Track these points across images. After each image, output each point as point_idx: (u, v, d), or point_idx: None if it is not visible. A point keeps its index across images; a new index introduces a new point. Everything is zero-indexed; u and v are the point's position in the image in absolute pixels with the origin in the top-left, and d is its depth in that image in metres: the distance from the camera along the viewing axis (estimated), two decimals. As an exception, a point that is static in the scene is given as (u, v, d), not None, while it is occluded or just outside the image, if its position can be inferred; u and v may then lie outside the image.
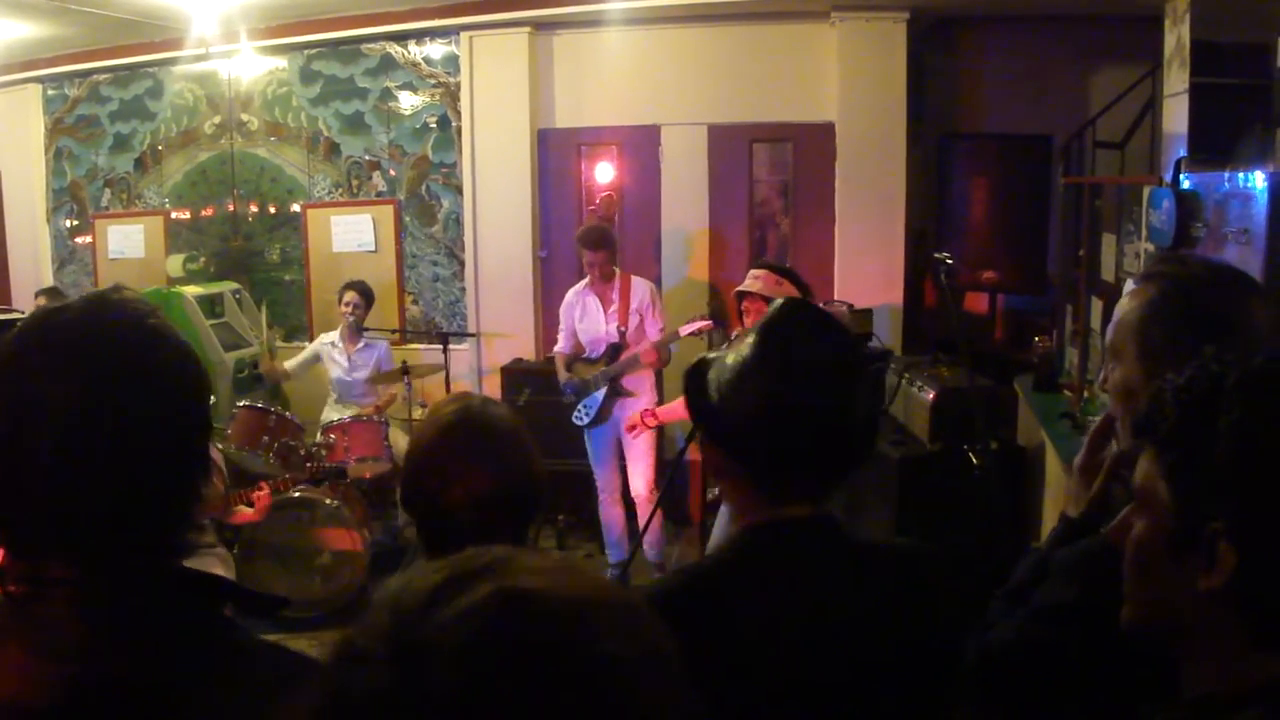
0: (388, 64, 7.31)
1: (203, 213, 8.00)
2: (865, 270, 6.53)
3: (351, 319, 6.37)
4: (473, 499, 1.71)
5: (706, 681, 0.68)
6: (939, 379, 4.66)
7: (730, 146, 6.86)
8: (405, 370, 6.04)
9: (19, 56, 7.89)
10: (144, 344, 1.12)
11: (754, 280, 4.00)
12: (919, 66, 6.79)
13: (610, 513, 5.73)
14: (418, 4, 6.93)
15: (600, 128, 7.05)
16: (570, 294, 5.76)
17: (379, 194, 7.48)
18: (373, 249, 7.50)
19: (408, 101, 7.32)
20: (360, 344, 6.44)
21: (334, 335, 6.49)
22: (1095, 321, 4.75)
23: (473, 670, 0.58)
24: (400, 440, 5.90)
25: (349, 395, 6.41)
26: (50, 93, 8.37)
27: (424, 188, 7.36)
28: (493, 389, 6.74)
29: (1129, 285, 1.63)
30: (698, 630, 0.72)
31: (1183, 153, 3.99)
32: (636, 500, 5.55)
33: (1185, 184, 3.77)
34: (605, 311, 5.57)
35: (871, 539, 1.57)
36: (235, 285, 7.52)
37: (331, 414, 6.27)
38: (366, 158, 7.47)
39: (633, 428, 5.24)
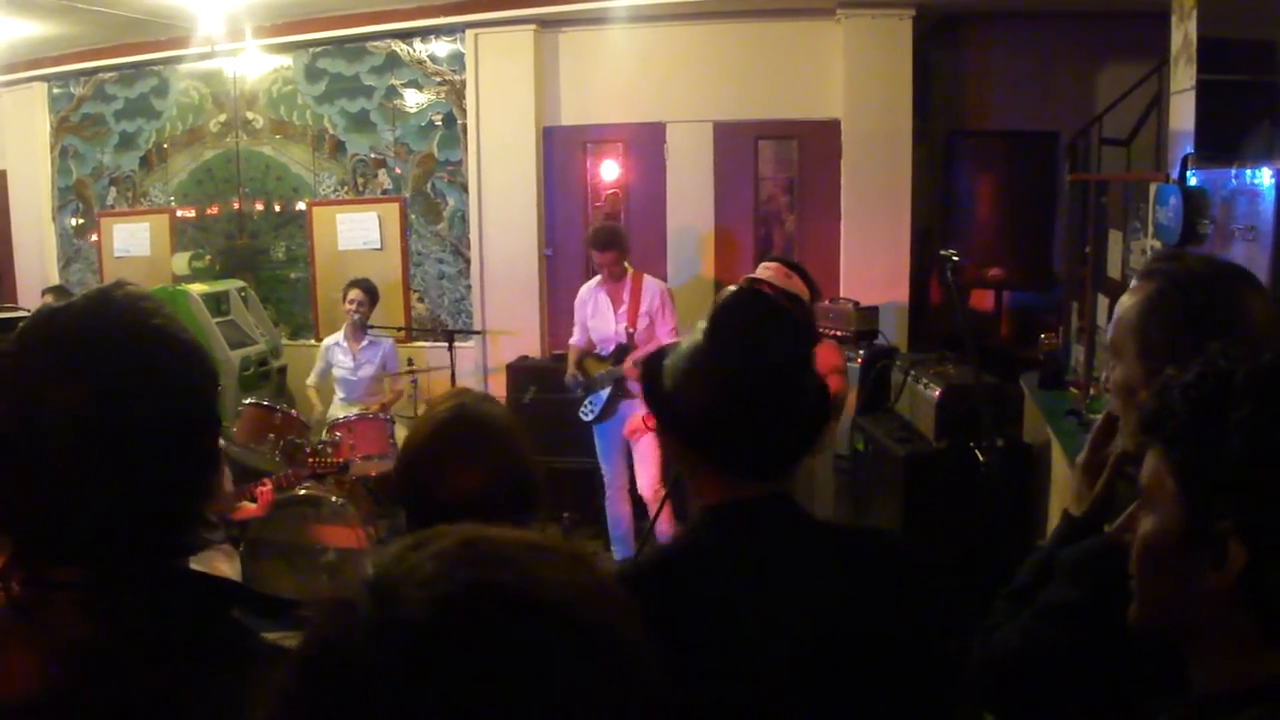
0: (393, 62, 7.31)
1: (208, 211, 8.02)
2: (871, 267, 6.52)
3: (357, 317, 6.38)
4: (463, 497, 1.72)
5: (669, 658, 0.72)
6: (945, 376, 4.66)
7: (736, 144, 6.85)
8: (410, 366, 6.04)
9: (24, 55, 7.90)
10: (149, 343, 1.11)
11: (764, 270, 4.02)
12: (924, 63, 6.77)
13: (617, 508, 5.73)
14: (423, 1, 6.94)
15: (605, 125, 7.05)
16: (584, 289, 5.79)
17: (384, 192, 7.49)
18: (378, 247, 7.51)
19: (413, 99, 7.32)
20: (365, 342, 6.44)
21: (338, 335, 6.50)
22: (1101, 319, 4.74)
23: (438, 596, 0.65)
24: (406, 438, 5.89)
25: (354, 393, 6.41)
26: (56, 91, 8.39)
27: (429, 185, 7.36)
28: (498, 386, 6.75)
29: (1133, 284, 1.63)
30: (661, 608, 0.74)
31: (1189, 149, 3.98)
32: (644, 498, 5.55)
33: (1192, 181, 3.76)
34: (615, 311, 5.58)
35: (833, 521, 1.58)
36: (241, 283, 7.53)
37: (338, 412, 6.27)
38: (372, 155, 7.47)
39: (634, 432, 5.24)
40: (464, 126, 7.18)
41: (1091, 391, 4.46)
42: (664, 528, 5.25)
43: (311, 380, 6.58)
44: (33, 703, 1.01)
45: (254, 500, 4.44)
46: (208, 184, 7.99)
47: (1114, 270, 4.76)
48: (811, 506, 3.96)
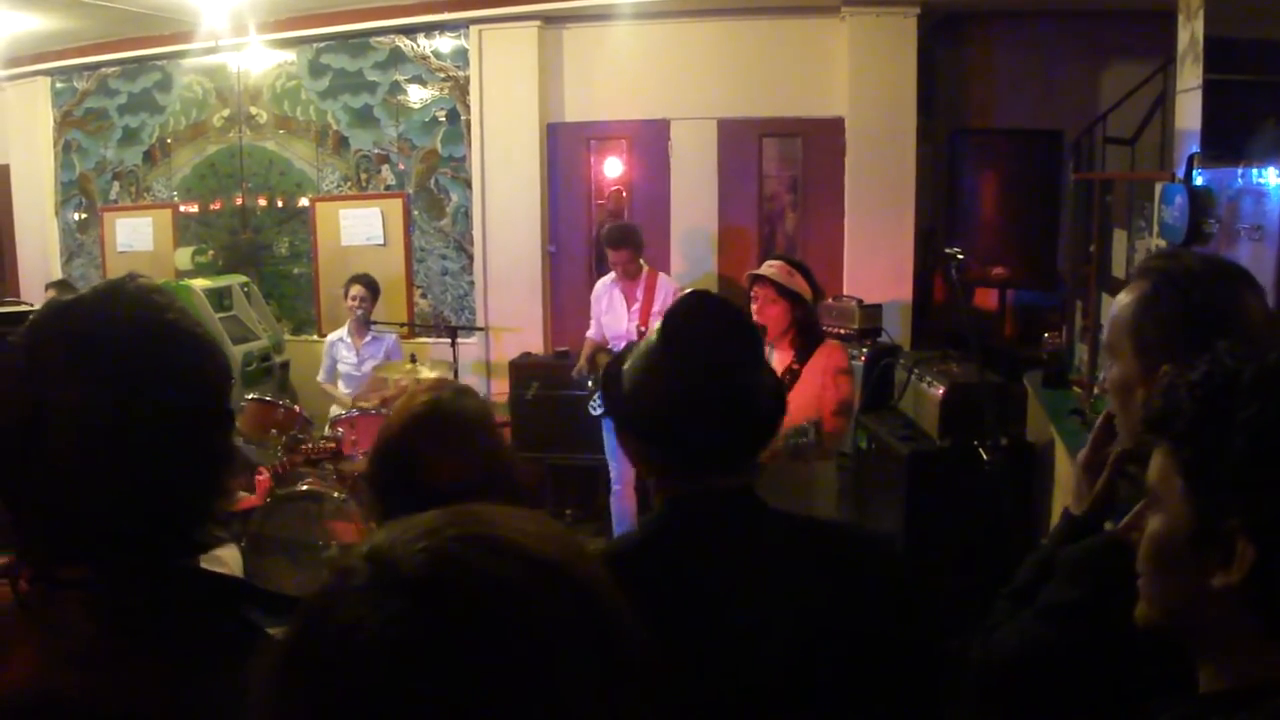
0: (397, 57, 7.31)
1: (211, 206, 8.02)
2: (875, 265, 6.51)
3: (360, 312, 6.38)
4: (435, 488, 1.72)
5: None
6: (948, 375, 4.65)
7: (740, 141, 6.84)
8: (413, 360, 6.03)
9: (28, 49, 7.90)
10: (161, 339, 1.10)
11: (768, 268, 4.03)
12: (929, 61, 6.77)
13: (623, 504, 5.74)
14: (427, -3, 6.94)
15: (609, 122, 7.05)
16: (599, 284, 5.85)
17: (388, 188, 7.49)
18: (381, 243, 7.51)
19: (417, 95, 7.32)
20: (368, 337, 6.45)
21: (342, 331, 6.51)
22: (1105, 318, 4.73)
23: (430, 549, 0.68)
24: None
25: (358, 388, 6.41)
26: (59, 86, 8.39)
27: (433, 181, 7.36)
28: (501, 383, 6.75)
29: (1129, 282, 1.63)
30: (631, 595, 0.76)
31: (1195, 149, 3.97)
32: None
33: (1198, 180, 3.75)
34: (629, 309, 5.61)
35: (793, 512, 1.63)
36: (244, 278, 7.52)
37: (341, 409, 6.28)
38: (375, 151, 7.47)
39: None
40: (467, 122, 7.18)
41: (1095, 390, 4.45)
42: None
43: (321, 377, 6.58)
44: (40, 702, 1.00)
45: (251, 491, 4.43)
46: (211, 179, 7.99)
47: (1118, 269, 4.75)
48: (813, 505, 3.95)
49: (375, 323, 6.52)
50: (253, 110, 7.76)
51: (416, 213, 7.43)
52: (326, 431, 5.82)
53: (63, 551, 1.05)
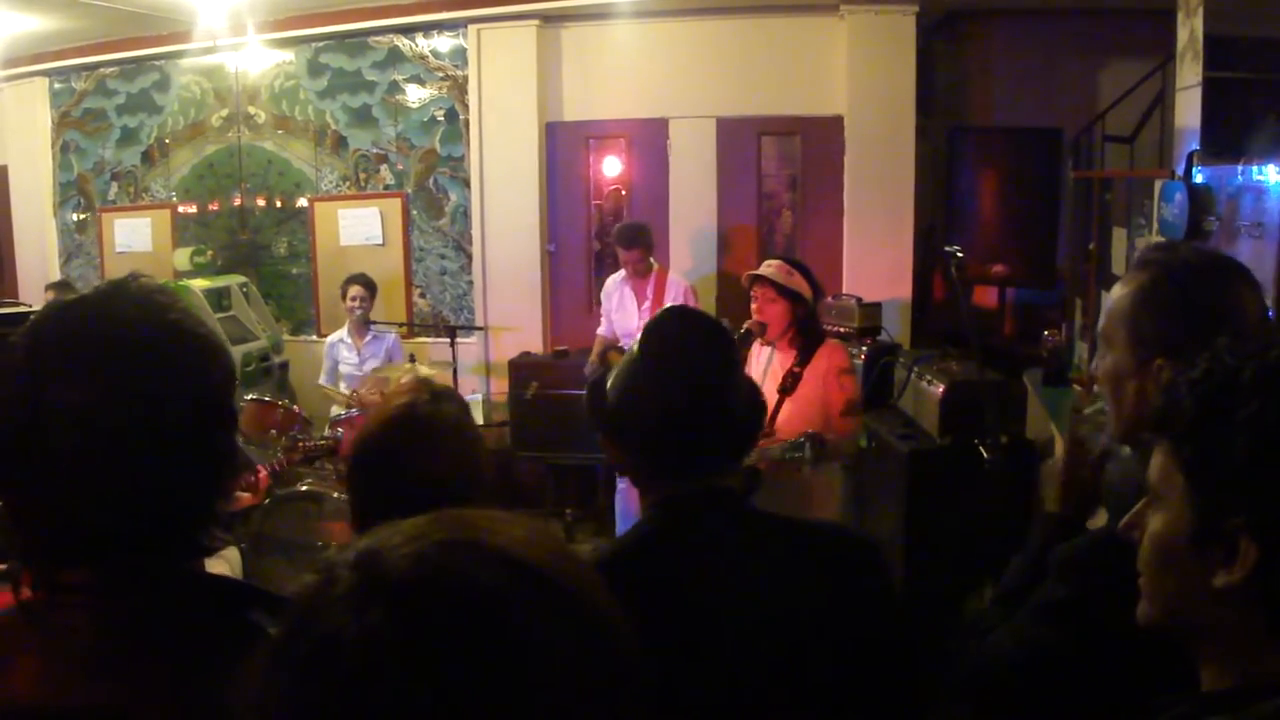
0: (395, 57, 7.30)
1: (210, 206, 8.00)
2: (874, 264, 6.51)
3: (359, 312, 6.37)
4: (407, 494, 1.73)
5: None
6: (948, 373, 4.64)
7: (738, 140, 6.84)
8: (413, 360, 6.03)
9: (26, 50, 7.89)
10: (164, 339, 1.09)
11: (767, 268, 4.03)
12: (928, 59, 6.77)
13: (628, 503, 5.73)
14: (425, -3, 6.94)
15: (608, 121, 7.04)
16: (610, 281, 5.89)
17: (386, 187, 7.47)
18: (380, 242, 7.50)
19: (415, 95, 7.31)
20: (369, 336, 6.44)
21: (341, 332, 6.50)
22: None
23: (415, 553, 0.68)
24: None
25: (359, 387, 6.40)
26: (57, 86, 8.38)
27: (431, 181, 7.35)
28: (500, 383, 6.75)
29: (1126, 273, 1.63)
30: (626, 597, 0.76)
31: (1195, 146, 3.97)
32: None
33: (1198, 177, 3.75)
34: (639, 307, 5.62)
35: (777, 513, 1.68)
36: (242, 279, 7.51)
37: (341, 409, 6.26)
38: (374, 151, 7.46)
39: None
40: (466, 122, 7.17)
41: (1095, 388, 4.45)
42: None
43: (323, 379, 6.56)
44: (42, 708, 1.00)
45: (249, 490, 4.42)
46: (209, 179, 7.98)
47: (1118, 267, 4.75)
48: (813, 504, 3.95)
49: (375, 322, 6.51)
50: (251, 110, 7.75)
51: (415, 212, 7.42)
52: (326, 431, 5.82)
53: (64, 555, 1.04)
